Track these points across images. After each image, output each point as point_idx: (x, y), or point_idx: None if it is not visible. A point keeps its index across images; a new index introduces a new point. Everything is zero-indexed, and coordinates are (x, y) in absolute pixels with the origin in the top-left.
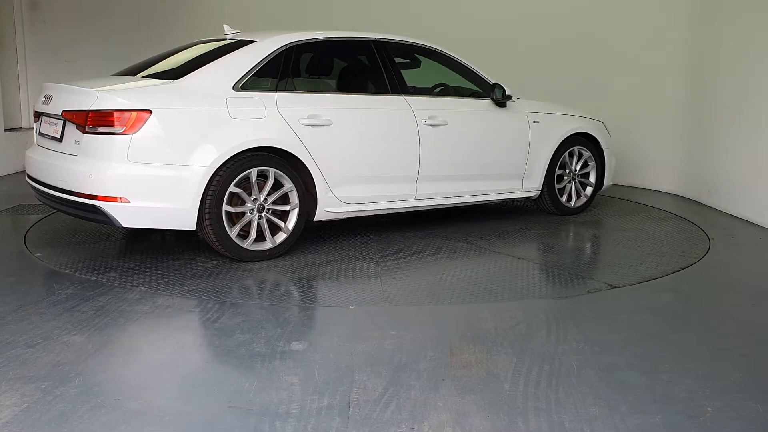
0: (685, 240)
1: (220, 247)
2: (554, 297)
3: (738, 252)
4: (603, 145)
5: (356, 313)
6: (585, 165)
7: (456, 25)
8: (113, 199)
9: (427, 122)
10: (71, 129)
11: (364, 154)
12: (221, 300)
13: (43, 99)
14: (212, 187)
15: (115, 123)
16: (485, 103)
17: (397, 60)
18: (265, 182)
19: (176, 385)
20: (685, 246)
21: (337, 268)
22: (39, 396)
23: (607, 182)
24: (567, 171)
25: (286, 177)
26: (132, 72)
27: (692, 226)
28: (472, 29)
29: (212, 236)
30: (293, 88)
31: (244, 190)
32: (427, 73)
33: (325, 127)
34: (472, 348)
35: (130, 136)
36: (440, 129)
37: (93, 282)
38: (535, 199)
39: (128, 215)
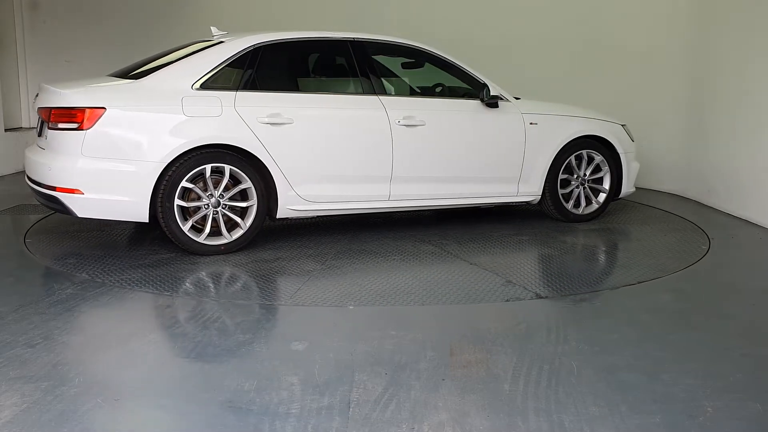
0: (685, 240)
1: (173, 239)
2: (467, 303)
3: (738, 252)
4: (619, 149)
5: (356, 313)
6: (599, 170)
7: (458, 25)
8: (68, 191)
9: (401, 122)
10: (45, 125)
11: (328, 153)
12: (222, 300)
13: (34, 98)
14: (164, 182)
15: (72, 119)
16: (473, 104)
17: (403, 61)
18: (224, 179)
19: (176, 384)
20: (685, 246)
21: (280, 265)
22: (39, 396)
23: (626, 189)
24: (575, 176)
25: (244, 174)
26: (125, 72)
27: (692, 226)
28: (475, 29)
29: (166, 229)
30: (256, 88)
31: (204, 185)
32: (424, 74)
33: (285, 125)
34: (472, 348)
35: (84, 132)
36: (417, 129)
37: (93, 282)
38: (539, 205)
39: (83, 206)
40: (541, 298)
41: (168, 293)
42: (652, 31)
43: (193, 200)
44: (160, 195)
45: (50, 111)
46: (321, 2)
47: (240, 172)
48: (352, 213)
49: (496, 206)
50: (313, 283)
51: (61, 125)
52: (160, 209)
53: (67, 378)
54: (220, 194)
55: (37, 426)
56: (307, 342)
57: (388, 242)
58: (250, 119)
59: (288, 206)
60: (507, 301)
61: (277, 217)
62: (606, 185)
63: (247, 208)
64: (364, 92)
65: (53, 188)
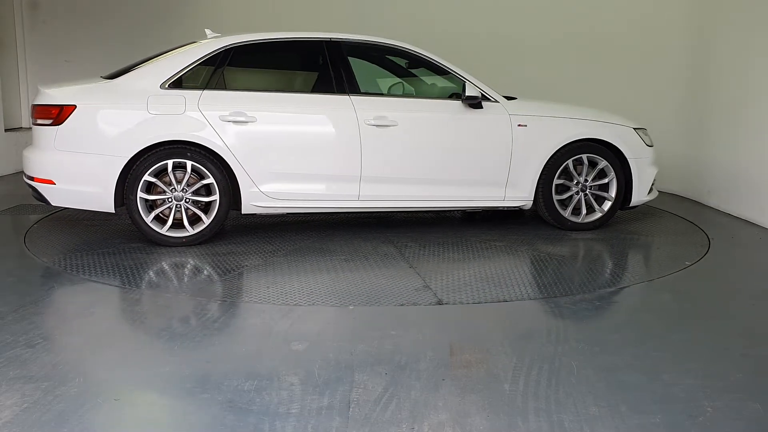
0: (684, 240)
1: (138, 230)
2: (362, 305)
3: (738, 252)
4: (628, 155)
5: (356, 313)
6: (605, 176)
7: (458, 24)
8: (43, 181)
9: (371, 122)
10: None
11: (292, 151)
12: (220, 300)
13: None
14: (128, 176)
15: (47, 116)
16: (453, 104)
17: (406, 64)
18: (193, 174)
19: (176, 384)
20: (684, 246)
21: (224, 259)
22: (39, 396)
23: (638, 197)
24: (574, 181)
25: (206, 170)
26: (119, 73)
27: (692, 226)
28: (474, 29)
29: (131, 220)
30: (224, 87)
31: (174, 179)
32: (414, 74)
33: (249, 124)
34: (472, 348)
35: (56, 127)
36: (388, 130)
37: (93, 282)
38: (536, 211)
39: (56, 195)
40: (443, 304)
41: (166, 293)
42: (652, 32)
43: (160, 193)
44: (124, 188)
45: (34, 108)
46: (321, 3)
47: (202, 168)
48: (321, 212)
49: (496, 211)
50: (231, 279)
51: (39, 121)
52: (124, 201)
53: (67, 378)
54: (183, 189)
55: (37, 426)
56: (307, 342)
57: (353, 242)
58: (213, 117)
59: (252, 202)
60: (401, 305)
61: (243, 212)
62: (612, 192)
63: (210, 202)
64: (336, 92)
65: (32, 178)
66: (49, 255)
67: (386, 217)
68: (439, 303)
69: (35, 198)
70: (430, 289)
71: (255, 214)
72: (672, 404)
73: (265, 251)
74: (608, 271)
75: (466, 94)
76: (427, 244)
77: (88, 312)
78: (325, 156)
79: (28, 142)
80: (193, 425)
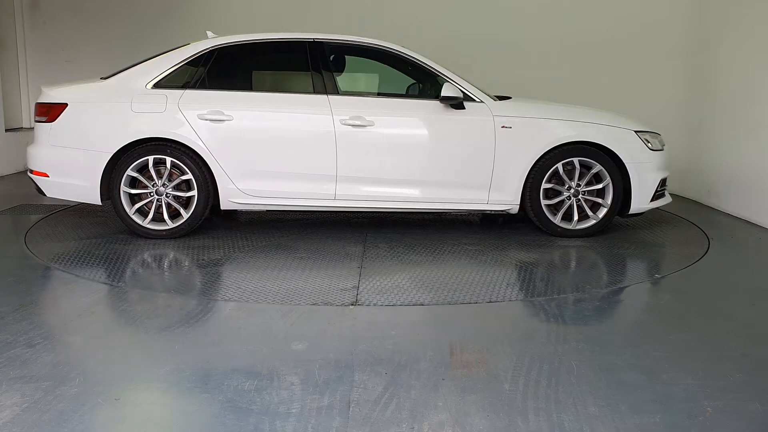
0: (684, 240)
1: (122, 222)
2: (279, 303)
3: (738, 252)
4: (625, 159)
5: (356, 313)
6: (601, 180)
7: (459, 24)
8: (39, 174)
9: (347, 122)
10: None
11: (267, 150)
12: (219, 299)
13: None
14: (113, 170)
15: (43, 113)
16: (433, 104)
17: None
18: (175, 170)
19: (176, 384)
20: (684, 246)
21: (193, 252)
22: (39, 396)
23: (638, 204)
24: (566, 186)
25: (185, 166)
26: (116, 73)
27: (692, 226)
28: (476, 29)
29: (115, 212)
30: (205, 87)
31: (155, 175)
32: (403, 75)
33: (225, 122)
34: (472, 348)
35: (50, 124)
36: (365, 130)
37: (93, 282)
38: (527, 216)
39: (50, 187)
40: (354, 305)
41: (167, 293)
42: (652, 32)
43: (143, 188)
44: (108, 182)
45: (35, 107)
46: (321, 3)
47: (181, 164)
48: (298, 210)
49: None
50: (182, 272)
51: (38, 118)
52: (109, 194)
53: (67, 378)
54: (163, 184)
55: (38, 426)
56: (307, 342)
57: (325, 241)
58: (191, 116)
59: (230, 199)
60: (313, 304)
61: (222, 208)
62: (607, 199)
63: (190, 198)
64: (315, 91)
65: (31, 171)
66: (49, 255)
67: (382, 218)
68: (353, 304)
69: (36, 190)
70: (357, 290)
71: (245, 211)
72: (672, 404)
73: (234, 246)
74: (564, 280)
75: (443, 94)
76: (396, 246)
77: (88, 312)
78: (301, 155)
79: (29, 142)
80: (193, 425)
